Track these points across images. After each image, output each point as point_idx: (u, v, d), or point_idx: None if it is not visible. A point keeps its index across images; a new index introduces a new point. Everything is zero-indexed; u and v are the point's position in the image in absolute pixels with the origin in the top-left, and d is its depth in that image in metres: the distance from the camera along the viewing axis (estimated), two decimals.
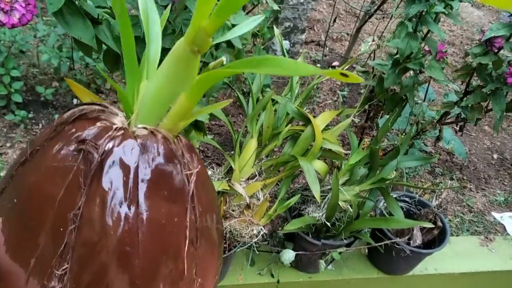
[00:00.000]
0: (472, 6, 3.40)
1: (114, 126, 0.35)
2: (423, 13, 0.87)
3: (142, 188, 0.32)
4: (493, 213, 1.82)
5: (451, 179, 1.92)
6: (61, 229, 0.30)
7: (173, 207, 0.33)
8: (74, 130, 0.35)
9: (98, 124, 0.35)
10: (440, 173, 1.92)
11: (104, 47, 0.87)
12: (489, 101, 1.04)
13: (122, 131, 0.34)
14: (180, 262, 0.32)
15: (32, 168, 0.35)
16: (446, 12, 0.87)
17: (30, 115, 1.61)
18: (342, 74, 0.27)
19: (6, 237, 0.33)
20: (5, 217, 0.34)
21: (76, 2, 0.76)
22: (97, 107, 0.37)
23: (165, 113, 0.35)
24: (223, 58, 0.34)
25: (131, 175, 0.32)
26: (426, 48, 1.04)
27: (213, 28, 0.31)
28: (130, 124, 0.36)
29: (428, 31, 0.97)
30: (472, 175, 2.00)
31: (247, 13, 1.03)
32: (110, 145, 0.33)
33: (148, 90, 0.36)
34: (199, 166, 0.37)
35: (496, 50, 0.96)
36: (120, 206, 0.31)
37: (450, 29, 2.97)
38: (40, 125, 1.60)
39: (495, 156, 2.16)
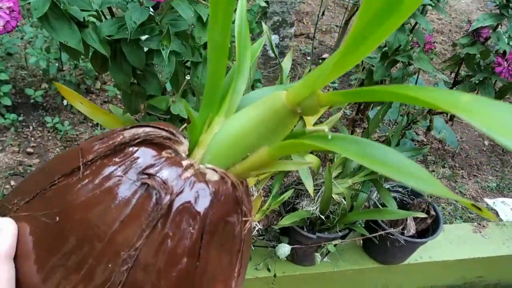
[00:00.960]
0: None
1: (184, 163, 0.31)
2: None
3: (206, 239, 0.30)
4: (486, 199, 1.84)
5: (443, 167, 1.94)
6: (110, 265, 0.28)
7: (229, 256, 0.32)
8: (137, 155, 0.32)
9: (164, 154, 0.32)
10: (433, 161, 1.93)
11: (91, 50, 0.87)
12: (478, 90, 1.04)
13: (193, 171, 0.31)
14: None
15: (82, 186, 0.32)
16: (433, 4, 0.87)
17: (20, 118, 1.60)
18: (475, 207, 0.25)
19: (37, 256, 0.30)
20: (38, 229, 0.31)
21: (61, 6, 0.76)
22: (164, 133, 0.34)
23: (240, 159, 0.32)
24: (325, 129, 0.28)
25: (197, 225, 0.29)
26: (414, 40, 1.04)
27: (329, 100, 0.27)
28: (195, 158, 0.33)
29: (416, 23, 0.97)
30: (464, 162, 2.02)
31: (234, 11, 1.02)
32: (180, 186, 0.30)
33: (225, 129, 0.33)
34: (253, 212, 0.37)
35: (483, 40, 0.96)
36: (182, 257, 0.29)
37: (438, 17, 2.98)
38: (31, 127, 1.59)
39: (486, 142, 2.18)
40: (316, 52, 2.25)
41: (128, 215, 0.29)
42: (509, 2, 0.87)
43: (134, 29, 0.77)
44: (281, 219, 1.15)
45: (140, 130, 0.33)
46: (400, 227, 1.26)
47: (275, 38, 1.83)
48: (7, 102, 1.52)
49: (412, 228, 1.26)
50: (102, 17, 0.87)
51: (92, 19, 0.83)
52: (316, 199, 1.18)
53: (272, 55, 1.94)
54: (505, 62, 0.91)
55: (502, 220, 1.66)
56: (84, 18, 0.82)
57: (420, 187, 0.21)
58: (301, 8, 2.61)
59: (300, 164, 0.39)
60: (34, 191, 0.34)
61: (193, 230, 0.29)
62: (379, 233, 1.19)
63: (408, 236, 1.23)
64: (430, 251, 1.37)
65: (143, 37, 0.86)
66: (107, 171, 0.31)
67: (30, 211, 0.33)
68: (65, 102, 1.69)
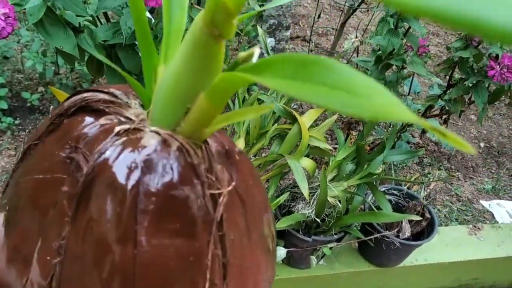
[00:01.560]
0: None
1: (117, 129, 0.26)
2: None
3: (143, 221, 0.24)
4: (481, 201, 1.85)
5: (439, 169, 1.95)
6: (48, 258, 0.24)
7: (188, 243, 0.25)
8: (71, 126, 0.27)
9: (102, 121, 0.27)
10: (429, 164, 1.94)
11: (87, 54, 0.87)
12: (471, 94, 1.05)
13: (124, 138, 0.25)
14: None
15: (26, 170, 0.28)
16: None
17: (17, 122, 1.60)
18: (437, 130, 0.20)
19: (7, 243, 0.27)
20: (6, 218, 0.28)
21: (57, 12, 0.76)
22: (103, 95, 0.28)
23: (183, 112, 0.27)
24: (255, 50, 0.25)
25: (127, 204, 0.24)
26: (408, 43, 1.05)
27: (236, 3, 0.22)
28: (143, 120, 0.28)
29: (410, 26, 0.98)
30: (460, 164, 2.03)
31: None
32: (103, 158, 0.24)
33: (165, 79, 0.27)
34: (236, 178, 0.28)
35: (476, 44, 0.97)
36: (112, 245, 0.23)
37: None
38: (27, 131, 1.59)
39: (482, 144, 2.19)
40: (312, 55, 2.26)
41: (58, 198, 0.25)
42: None
43: (129, 35, 0.78)
44: (276, 222, 1.16)
45: (78, 97, 0.29)
46: (396, 230, 1.26)
47: (271, 41, 1.83)
48: (4, 105, 1.52)
49: (407, 231, 1.26)
50: (98, 22, 0.88)
51: (87, 24, 0.84)
52: (311, 202, 1.18)
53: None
54: (498, 66, 0.91)
55: (497, 222, 1.67)
56: (79, 23, 0.83)
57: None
58: (297, 11, 2.62)
59: (260, 109, 0.31)
60: (6, 182, 0.31)
61: (120, 210, 0.23)
62: (375, 236, 1.20)
63: (403, 239, 1.24)
64: (425, 254, 1.38)
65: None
66: (47, 151, 0.27)
67: (1, 202, 0.30)
68: None
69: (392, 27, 0.95)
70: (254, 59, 0.24)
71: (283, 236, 1.26)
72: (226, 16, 0.23)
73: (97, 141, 0.26)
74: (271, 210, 0.34)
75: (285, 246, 1.23)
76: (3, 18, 0.65)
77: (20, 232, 0.27)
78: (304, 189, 1.07)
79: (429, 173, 1.88)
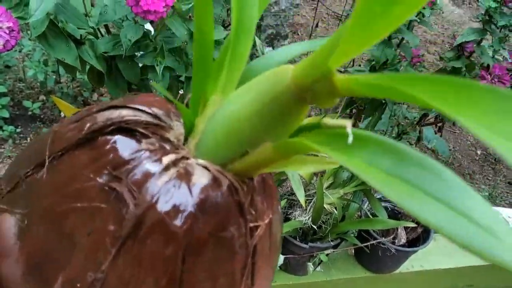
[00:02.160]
0: (452, 5, 3.46)
1: (166, 160, 0.24)
2: None
3: (190, 263, 0.23)
4: None
5: None
6: (78, 285, 0.23)
7: (228, 281, 0.25)
8: (108, 148, 0.25)
9: (144, 145, 0.25)
10: None
11: (88, 64, 0.90)
12: None
13: (175, 171, 0.24)
14: None
15: (51, 185, 0.26)
16: (418, 20, 0.91)
17: (18, 130, 1.62)
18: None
19: (24, 255, 0.25)
20: (20, 228, 0.26)
21: (59, 25, 0.79)
22: (145, 117, 0.26)
23: (239, 154, 0.25)
24: (347, 125, 0.20)
25: (175, 246, 0.23)
26: (403, 53, 1.08)
27: (348, 87, 0.19)
28: (188, 149, 0.26)
29: (403, 37, 1.00)
30: (457, 171, 2.05)
31: (225, 28, 1.05)
32: (154, 195, 0.23)
33: (221, 113, 0.25)
34: (271, 213, 0.27)
35: (468, 54, 0.99)
36: (156, 284, 0.23)
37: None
38: (29, 139, 1.61)
39: (478, 152, 2.21)
40: None
41: (94, 230, 0.24)
42: (492, 17, 0.91)
43: (129, 47, 0.80)
44: None
45: (115, 114, 0.26)
46: (391, 237, 1.28)
47: (269, 51, 1.86)
48: (5, 114, 1.55)
49: (403, 238, 1.28)
50: (99, 34, 0.90)
51: (89, 36, 0.86)
52: (308, 209, 1.20)
53: None
54: (489, 76, 0.94)
55: None
56: (81, 35, 0.85)
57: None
58: (296, 20, 2.65)
59: (322, 163, 0.28)
60: (14, 179, 0.28)
61: (169, 253, 0.23)
62: (371, 242, 1.22)
63: (399, 246, 1.26)
64: (421, 260, 1.39)
65: (138, 53, 0.89)
66: (75, 168, 0.25)
67: (9, 205, 0.28)
68: (62, 114, 1.72)
69: (386, 38, 0.97)
70: (349, 140, 0.19)
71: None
72: (329, 94, 0.20)
73: (144, 174, 0.24)
74: (281, 222, 0.34)
75: (282, 253, 1.25)
76: (7, 31, 0.68)
77: (41, 249, 0.25)
78: (301, 196, 1.09)
79: None
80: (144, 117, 0.26)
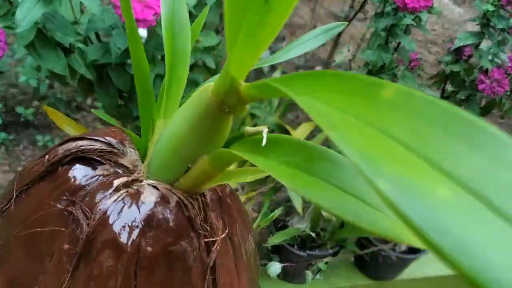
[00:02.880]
0: (453, 4, 3.44)
1: (116, 182, 0.25)
2: (393, 26, 0.88)
3: (142, 277, 0.24)
4: None
5: None
6: None
7: None
8: (67, 176, 0.26)
9: (99, 172, 0.26)
10: None
11: (78, 73, 0.88)
12: (464, 107, 1.05)
13: (124, 192, 0.25)
14: None
15: (20, 215, 0.27)
16: (415, 24, 0.88)
17: (11, 137, 1.60)
18: None
19: (2, 272, 0.27)
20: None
21: (48, 33, 0.76)
22: (99, 145, 0.27)
23: (183, 170, 0.26)
24: (264, 130, 0.23)
25: (126, 261, 0.24)
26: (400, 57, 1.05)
27: (251, 94, 0.21)
28: (141, 171, 0.27)
29: (400, 42, 0.98)
30: None
31: (219, 33, 1.03)
32: (104, 216, 0.24)
33: (163, 135, 0.27)
34: (228, 224, 0.28)
35: (466, 58, 0.97)
36: None
37: (432, 28, 3.00)
38: (22, 146, 1.59)
39: None
40: (308, 65, 2.26)
41: (55, 251, 0.24)
42: (489, 21, 0.88)
43: (118, 54, 0.78)
44: (271, 236, 1.15)
45: (73, 145, 0.28)
46: (392, 243, 1.25)
47: (266, 53, 1.84)
48: None
49: (403, 244, 1.25)
50: (89, 41, 0.88)
51: (78, 44, 0.84)
52: (306, 217, 1.18)
53: (264, 69, 1.95)
54: (488, 80, 0.91)
55: None
56: (70, 43, 0.83)
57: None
58: (294, 21, 2.63)
59: (258, 172, 0.31)
60: (1, 204, 0.30)
61: (120, 268, 0.23)
62: (370, 249, 1.19)
63: (400, 252, 1.23)
64: (423, 267, 1.37)
65: (129, 61, 0.86)
66: (39, 198, 0.27)
67: None
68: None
69: (383, 42, 0.95)
70: (264, 143, 0.22)
71: (278, 251, 1.25)
72: (238, 102, 0.22)
73: (96, 196, 0.26)
74: (255, 242, 0.36)
75: (280, 261, 1.22)
76: None
77: (15, 275, 0.26)
78: (298, 204, 1.07)
79: None
80: (98, 146, 0.28)
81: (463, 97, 1.02)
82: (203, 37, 0.82)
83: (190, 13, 0.93)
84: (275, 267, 1.19)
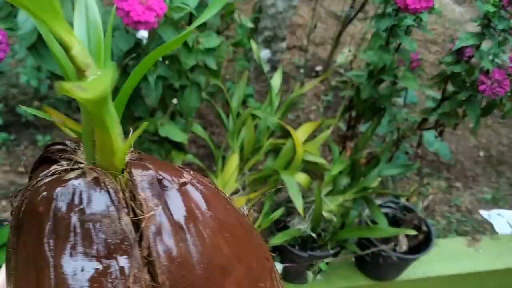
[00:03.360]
0: (453, 3, 3.43)
1: (53, 168, 0.29)
2: (394, 27, 0.88)
3: (56, 246, 0.27)
4: (481, 211, 1.84)
5: (439, 179, 1.94)
6: None
7: (105, 266, 0.28)
8: (34, 177, 0.30)
9: (54, 167, 0.30)
10: (428, 174, 1.93)
11: None
12: (465, 108, 1.05)
13: (57, 175, 0.29)
14: None
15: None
16: (415, 25, 0.88)
17: (12, 137, 1.60)
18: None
19: None
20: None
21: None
22: (58, 146, 0.31)
23: (92, 147, 0.29)
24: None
25: (42, 230, 0.27)
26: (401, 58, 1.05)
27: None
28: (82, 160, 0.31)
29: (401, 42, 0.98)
30: (460, 173, 2.02)
31: (220, 34, 1.03)
32: (31, 192, 0.29)
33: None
34: (157, 207, 0.29)
35: (466, 59, 0.97)
36: (32, 270, 0.28)
37: (432, 28, 3.00)
38: (22, 146, 1.59)
39: (481, 153, 2.18)
40: (309, 65, 2.26)
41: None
42: (490, 22, 0.88)
43: (121, 57, 0.78)
44: (272, 237, 1.15)
45: (43, 151, 0.32)
46: (393, 244, 1.25)
47: (266, 53, 1.84)
48: None
49: (404, 244, 1.25)
50: None
51: None
52: (307, 217, 1.18)
53: (265, 68, 1.95)
54: (488, 81, 0.91)
55: (497, 233, 1.65)
56: None
57: None
58: (294, 20, 2.62)
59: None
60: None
61: (37, 236, 0.27)
62: (371, 250, 1.19)
63: (401, 253, 1.23)
64: (424, 267, 1.37)
65: (130, 62, 0.86)
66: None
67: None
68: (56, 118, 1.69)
69: (383, 43, 0.95)
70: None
71: (279, 251, 1.25)
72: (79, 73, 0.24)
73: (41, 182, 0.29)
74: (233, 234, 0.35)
75: (281, 262, 1.22)
76: None
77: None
78: (299, 205, 1.07)
79: (428, 184, 1.87)
80: (57, 146, 0.31)
81: (464, 98, 1.02)
82: (204, 38, 0.82)
83: (191, 14, 0.93)
84: (276, 268, 1.19)
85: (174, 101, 0.81)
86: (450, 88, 1.11)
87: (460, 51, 0.95)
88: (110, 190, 0.28)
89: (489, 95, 0.92)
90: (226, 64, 2.15)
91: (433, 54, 2.68)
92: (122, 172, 0.29)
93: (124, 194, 0.28)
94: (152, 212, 0.28)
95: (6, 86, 1.76)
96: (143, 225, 0.28)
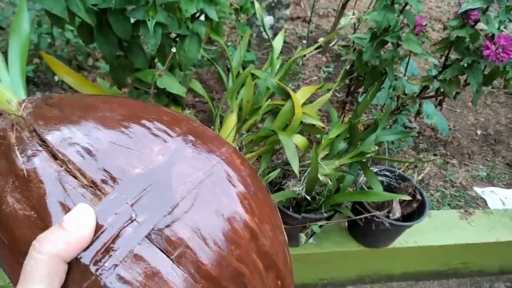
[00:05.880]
0: None
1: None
2: None
3: None
4: (475, 188, 1.85)
5: (435, 155, 1.94)
6: None
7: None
8: None
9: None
10: (424, 149, 1.93)
11: (78, 20, 0.86)
12: (467, 75, 1.04)
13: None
14: None
15: None
16: None
17: None
18: None
19: None
20: None
21: None
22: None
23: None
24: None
25: None
26: (405, 21, 1.04)
27: None
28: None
29: (406, 3, 0.96)
30: (456, 151, 2.02)
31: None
32: None
33: None
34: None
35: (472, 23, 0.96)
36: None
37: (437, 6, 2.96)
38: None
39: (478, 132, 2.18)
40: (312, 36, 2.23)
41: None
42: None
43: (118, 0, 0.77)
44: None
45: None
46: (386, 210, 1.26)
47: (269, 19, 1.81)
48: None
49: (397, 212, 1.26)
50: None
51: None
52: (302, 180, 1.18)
53: (267, 36, 1.93)
54: (493, 46, 0.90)
55: (490, 208, 1.67)
56: None
57: None
58: None
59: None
60: None
61: None
62: (364, 215, 1.20)
63: (393, 220, 1.24)
64: (415, 236, 1.38)
65: (130, 7, 0.85)
66: None
67: None
68: (56, 78, 1.68)
69: (389, 2, 0.93)
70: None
71: None
72: None
73: None
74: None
75: None
76: None
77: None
78: (295, 166, 1.07)
79: (424, 158, 1.88)
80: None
81: (466, 64, 1.01)
82: None
83: None
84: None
85: (173, 49, 0.80)
86: (452, 56, 1.10)
87: (466, 14, 0.94)
88: (19, 130, 0.31)
89: (493, 61, 0.91)
90: (229, 31, 2.12)
91: (437, 32, 2.66)
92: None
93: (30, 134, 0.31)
94: (48, 149, 0.32)
95: (6, 42, 1.74)
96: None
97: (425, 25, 1.09)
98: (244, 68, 1.30)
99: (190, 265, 0.24)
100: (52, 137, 0.29)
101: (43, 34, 1.56)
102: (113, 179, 0.25)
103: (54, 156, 0.28)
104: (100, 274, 0.22)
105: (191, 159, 0.27)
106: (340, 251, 1.32)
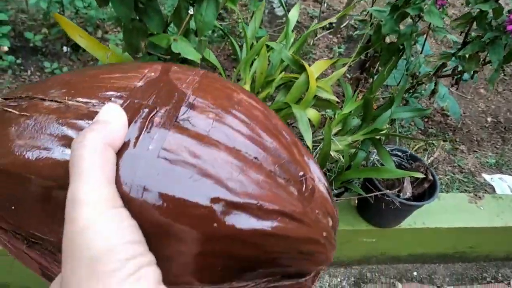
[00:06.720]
0: None
1: None
2: None
3: None
4: (484, 175, 1.83)
5: (444, 140, 1.93)
6: None
7: None
8: None
9: None
10: (434, 134, 1.92)
11: None
12: (487, 53, 1.02)
13: None
14: None
15: None
16: None
17: (19, 61, 1.57)
18: None
19: None
20: None
21: None
22: None
23: None
24: None
25: None
26: None
27: None
28: None
29: None
30: (465, 137, 2.00)
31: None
32: None
33: None
34: None
35: None
36: None
37: None
38: (29, 71, 1.56)
39: (489, 119, 2.16)
40: (324, 16, 2.20)
41: None
42: None
43: None
44: None
45: None
46: (397, 190, 1.25)
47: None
48: (6, 43, 1.49)
49: (408, 191, 1.25)
50: None
51: None
52: (314, 155, 1.16)
53: (279, 13, 1.90)
54: None
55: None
56: None
57: None
58: None
59: None
60: None
61: None
62: (375, 193, 1.19)
63: (404, 199, 1.23)
64: (424, 217, 1.37)
65: None
66: None
67: None
68: (64, 48, 1.66)
69: None
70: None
71: None
72: None
73: None
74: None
75: None
76: None
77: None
78: (308, 139, 1.05)
79: (433, 143, 1.86)
80: None
81: (488, 40, 0.98)
82: None
83: None
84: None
85: (191, 11, 0.78)
86: (473, 34, 1.07)
87: None
88: None
89: None
90: (240, 8, 2.09)
91: (450, 17, 2.61)
92: None
93: None
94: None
95: (14, 11, 1.72)
96: None
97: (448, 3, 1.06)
98: (251, 46, 1.27)
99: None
100: None
101: (53, 3, 1.54)
102: (119, 97, 0.25)
103: None
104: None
105: (181, 70, 0.29)
106: (348, 229, 1.31)
